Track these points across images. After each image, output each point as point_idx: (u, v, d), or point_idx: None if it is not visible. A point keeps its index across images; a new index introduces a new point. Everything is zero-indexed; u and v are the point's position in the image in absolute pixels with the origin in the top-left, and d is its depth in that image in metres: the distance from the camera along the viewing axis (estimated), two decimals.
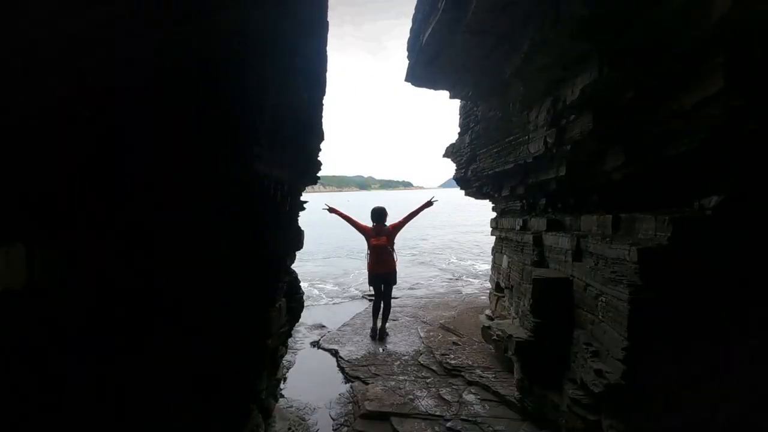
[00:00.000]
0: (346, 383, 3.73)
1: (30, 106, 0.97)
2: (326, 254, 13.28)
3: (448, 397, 3.30)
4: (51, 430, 0.92)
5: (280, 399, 3.28)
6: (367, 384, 3.60)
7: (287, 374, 3.77)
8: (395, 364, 4.01)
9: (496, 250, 4.86)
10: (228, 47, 1.38)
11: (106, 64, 1.02)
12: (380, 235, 4.82)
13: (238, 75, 1.53)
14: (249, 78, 1.61)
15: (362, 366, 3.99)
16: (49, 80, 0.97)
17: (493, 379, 3.48)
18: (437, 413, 3.07)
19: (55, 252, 0.95)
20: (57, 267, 0.95)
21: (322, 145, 2.86)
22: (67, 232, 0.97)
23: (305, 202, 2.87)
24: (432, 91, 5.04)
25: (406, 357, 4.17)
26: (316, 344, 4.72)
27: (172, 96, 1.25)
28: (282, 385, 3.47)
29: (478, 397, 3.28)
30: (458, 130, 5.49)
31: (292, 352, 4.36)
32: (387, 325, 4.95)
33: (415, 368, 3.89)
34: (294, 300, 2.73)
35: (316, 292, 7.62)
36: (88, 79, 1.02)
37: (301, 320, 4.14)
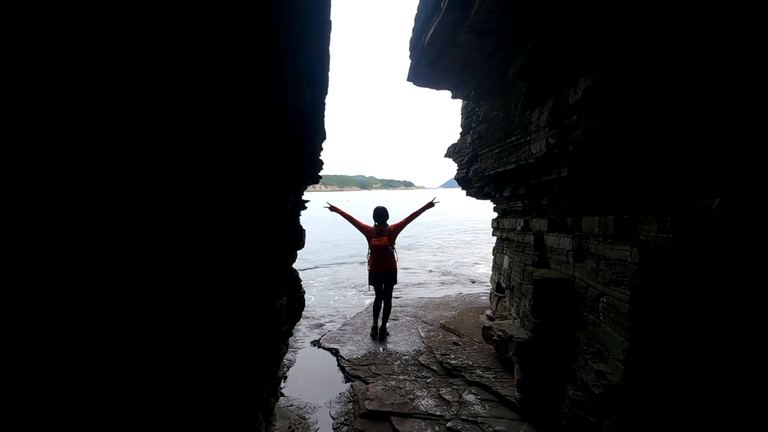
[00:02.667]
0: (346, 382, 3.74)
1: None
2: (327, 254, 13.28)
3: (448, 397, 3.30)
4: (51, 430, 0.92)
5: (281, 398, 3.29)
6: (367, 383, 3.60)
7: (288, 373, 3.78)
8: (395, 363, 4.01)
9: (497, 251, 4.86)
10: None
11: None
12: (381, 235, 4.83)
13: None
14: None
15: (362, 365, 3.99)
16: None
17: (493, 380, 3.48)
18: (437, 413, 3.07)
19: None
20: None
21: (324, 145, 2.86)
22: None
23: (307, 201, 2.87)
24: (434, 91, 5.05)
25: (407, 357, 4.18)
26: (316, 343, 4.72)
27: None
28: (282, 384, 3.48)
29: (479, 397, 3.28)
30: (460, 130, 5.49)
31: (293, 351, 4.37)
32: (387, 324, 4.96)
33: (416, 368, 3.90)
34: (295, 299, 2.73)
35: (316, 291, 7.62)
36: None
37: (301, 319, 4.16)
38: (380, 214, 4.98)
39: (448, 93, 5.10)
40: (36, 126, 0.86)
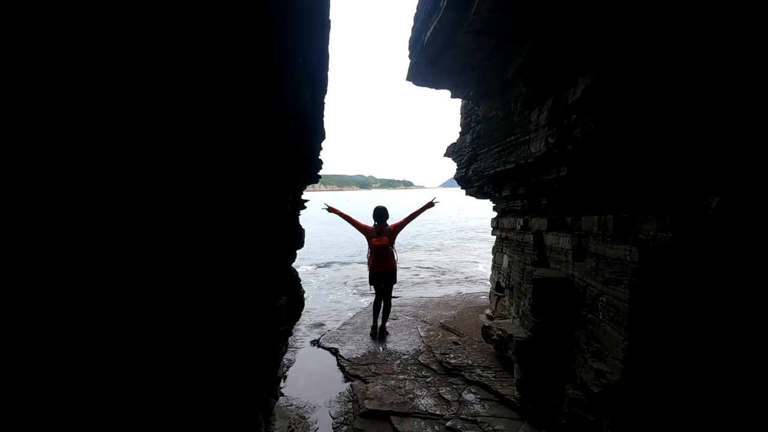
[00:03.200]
0: (345, 382, 3.74)
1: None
2: (326, 253, 13.28)
3: (447, 396, 3.30)
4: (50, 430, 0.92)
5: (280, 397, 3.29)
6: (367, 383, 3.60)
7: (287, 373, 3.78)
8: (395, 363, 4.01)
9: (497, 250, 4.86)
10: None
11: None
12: (381, 235, 4.83)
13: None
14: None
15: (362, 365, 3.99)
16: None
17: (492, 379, 3.49)
18: (437, 412, 3.07)
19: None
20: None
21: (324, 144, 2.86)
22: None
23: (306, 200, 2.87)
24: (433, 90, 5.05)
25: (406, 356, 4.18)
26: (316, 343, 4.72)
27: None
28: (282, 384, 3.48)
29: (478, 396, 3.29)
30: (459, 129, 5.49)
31: (292, 351, 4.37)
32: (387, 324, 4.96)
33: (415, 367, 3.90)
34: (294, 298, 2.73)
35: (315, 290, 7.62)
36: None
37: (301, 319, 4.15)
38: (380, 213, 4.98)
39: (447, 92, 5.10)
40: (37, 127, 0.86)
